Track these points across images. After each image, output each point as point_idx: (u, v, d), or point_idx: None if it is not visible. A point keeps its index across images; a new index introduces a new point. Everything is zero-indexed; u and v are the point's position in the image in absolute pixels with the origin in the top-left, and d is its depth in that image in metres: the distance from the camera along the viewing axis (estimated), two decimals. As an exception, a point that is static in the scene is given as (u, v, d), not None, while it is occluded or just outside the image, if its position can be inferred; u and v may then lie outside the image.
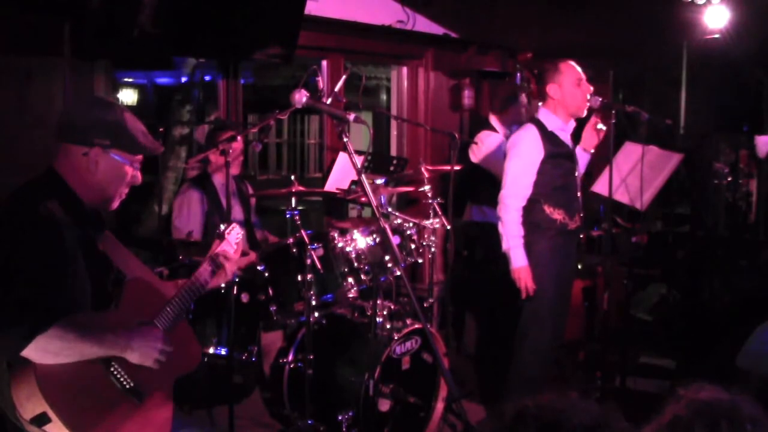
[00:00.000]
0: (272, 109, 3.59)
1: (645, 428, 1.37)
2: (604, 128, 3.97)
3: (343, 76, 3.73)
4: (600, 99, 3.86)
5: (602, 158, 4.39)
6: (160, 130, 4.32)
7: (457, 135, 4.28)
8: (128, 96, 9.57)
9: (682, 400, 1.38)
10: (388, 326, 3.64)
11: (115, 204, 2.35)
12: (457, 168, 4.41)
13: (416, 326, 3.69)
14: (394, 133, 6.18)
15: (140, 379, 2.17)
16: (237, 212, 4.14)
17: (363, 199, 3.99)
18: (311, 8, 4.62)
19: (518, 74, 6.05)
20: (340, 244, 3.67)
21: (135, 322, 2.21)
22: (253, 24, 4.13)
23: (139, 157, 2.33)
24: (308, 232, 3.59)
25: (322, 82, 3.26)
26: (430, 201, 4.17)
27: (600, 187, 4.61)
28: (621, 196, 4.56)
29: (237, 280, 3.46)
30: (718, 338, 4.59)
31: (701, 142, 6.31)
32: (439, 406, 3.84)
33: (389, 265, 3.67)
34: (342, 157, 4.91)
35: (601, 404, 1.31)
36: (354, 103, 3.99)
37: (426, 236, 3.99)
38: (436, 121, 5.72)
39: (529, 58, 6.09)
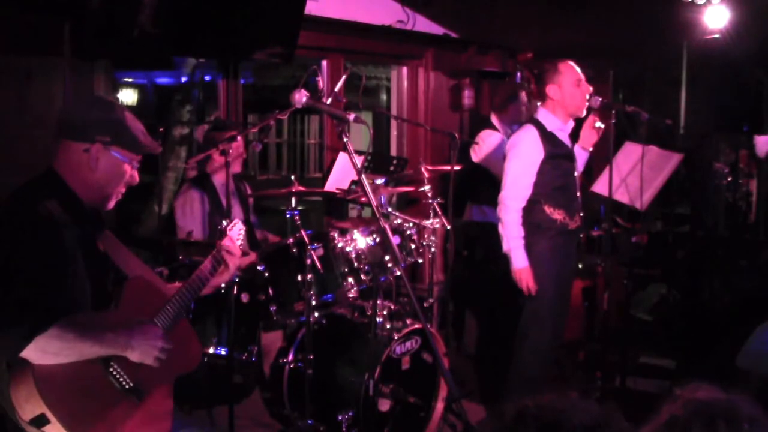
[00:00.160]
0: (272, 109, 3.59)
1: (642, 429, 1.37)
2: (603, 126, 3.97)
3: (343, 76, 3.74)
4: (600, 99, 3.86)
5: (602, 158, 4.39)
6: (160, 130, 4.31)
7: (457, 135, 4.28)
8: (128, 96, 9.58)
9: (679, 399, 1.37)
10: (388, 326, 3.64)
11: (111, 204, 2.34)
12: (457, 168, 4.41)
13: (416, 326, 3.69)
14: (394, 133, 6.18)
15: (140, 378, 2.17)
16: (237, 212, 4.13)
17: (363, 199, 3.99)
18: (311, 8, 4.62)
19: (518, 74, 6.05)
20: (340, 244, 3.67)
21: (135, 320, 2.21)
22: (253, 24, 4.13)
23: (139, 157, 2.33)
24: (308, 232, 3.59)
25: (322, 82, 3.26)
26: (430, 201, 4.17)
27: (600, 187, 4.61)
28: (621, 196, 4.56)
29: (237, 280, 3.46)
30: (718, 338, 4.59)
31: (701, 142, 6.31)
32: (439, 406, 3.84)
33: (389, 265, 3.67)
34: (342, 157, 4.91)
35: (601, 404, 1.31)
36: (354, 103, 3.99)
37: (426, 236, 3.99)
38: (436, 121, 5.72)
39: (530, 58, 6.09)
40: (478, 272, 5.04)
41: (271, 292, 3.62)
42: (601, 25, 5.35)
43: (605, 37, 5.49)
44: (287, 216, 3.69)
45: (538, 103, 3.95)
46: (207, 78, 7.68)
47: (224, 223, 2.73)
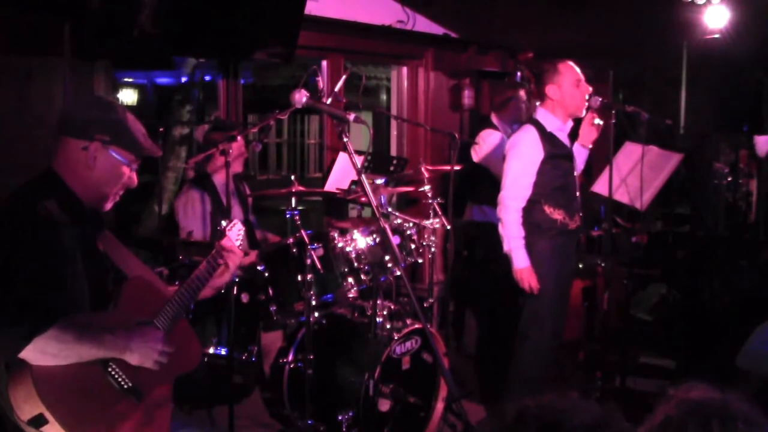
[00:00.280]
0: (272, 109, 3.59)
1: (638, 430, 1.36)
2: (602, 123, 3.97)
3: (343, 76, 3.74)
4: (600, 99, 3.86)
5: (602, 158, 4.39)
6: (160, 130, 4.31)
7: (457, 135, 4.28)
8: (128, 96, 9.58)
9: (673, 400, 1.37)
10: (388, 326, 3.64)
11: (109, 205, 2.33)
12: (457, 168, 4.41)
13: (416, 326, 3.69)
14: (394, 133, 6.18)
15: (139, 378, 2.16)
16: (236, 212, 4.14)
17: (363, 199, 3.99)
18: (311, 8, 4.62)
19: (518, 73, 6.05)
20: (340, 244, 3.67)
21: (134, 322, 2.20)
22: (253, 24, 4.13)
23: (138, 159, 2.32)
24: (308, 232, 3.59)
25: (322, 82, 3.26)
26: (430, 201, 4.17)
27: (600, 187, 4.61)
28: (621, 196, 4.56)
29: (237, 280, 3.46)
30: (718, 338, 4.59)
31: (701, 142, 6.31)
32: (439, 406, 3.84)
33: (389, 265, 3.67)
34: (342, 157, 4.91)
35: (601, 404, 1.31)
36: (354, 103, 3.99)
37: (426, 236, 3.99)
38: (436, 121, 5.72)
39: (530, 58, 6.09)
40: (478, 272, 5.04)
41: (271, 292, 3.62)
42: (601, 25, 5.35)
43: (605, 37, 5.49)
44: (287, 216, 3.69)
45: (538, 103, 3.95)
46: (207, 78, 7.68)
47: (223, 223, 2.73)
